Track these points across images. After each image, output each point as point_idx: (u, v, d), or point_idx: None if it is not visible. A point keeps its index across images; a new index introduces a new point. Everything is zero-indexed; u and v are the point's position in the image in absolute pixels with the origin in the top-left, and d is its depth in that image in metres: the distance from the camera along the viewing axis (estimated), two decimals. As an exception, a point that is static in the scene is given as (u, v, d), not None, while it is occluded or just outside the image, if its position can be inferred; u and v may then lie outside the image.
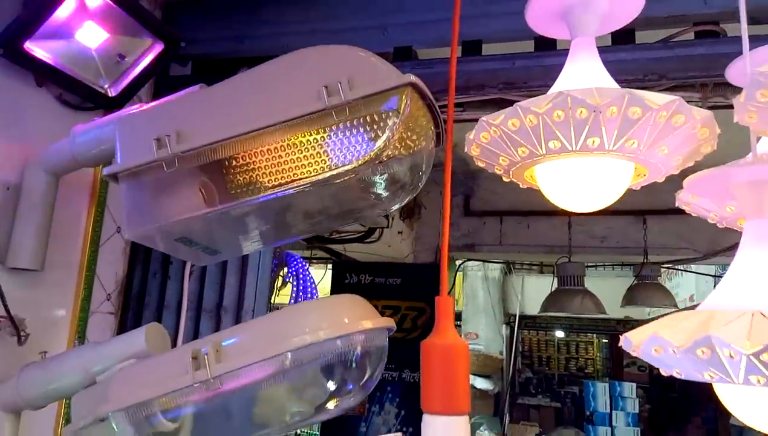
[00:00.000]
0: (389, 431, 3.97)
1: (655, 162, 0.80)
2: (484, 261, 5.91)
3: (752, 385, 0.56)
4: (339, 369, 0.79)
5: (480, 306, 9.37)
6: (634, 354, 0.72)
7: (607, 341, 15.17)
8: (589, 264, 4.82)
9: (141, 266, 1.70)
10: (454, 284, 5.51)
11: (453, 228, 4.64)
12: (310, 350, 0.75)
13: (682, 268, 4.81)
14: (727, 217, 0.92)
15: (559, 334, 11.79)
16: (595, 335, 14.94)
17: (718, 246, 4.15)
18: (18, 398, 0.98)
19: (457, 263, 5.38)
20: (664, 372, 0.67)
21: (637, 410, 10.23)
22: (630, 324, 12.35)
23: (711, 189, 0.80)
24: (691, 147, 0.79)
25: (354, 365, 0.78)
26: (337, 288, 4.47)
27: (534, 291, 7.77)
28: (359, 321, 0.76)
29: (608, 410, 10.23)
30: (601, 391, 10.40)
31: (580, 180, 0.83)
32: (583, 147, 0.76)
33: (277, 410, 0.81)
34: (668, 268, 4.71)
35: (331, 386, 0.79)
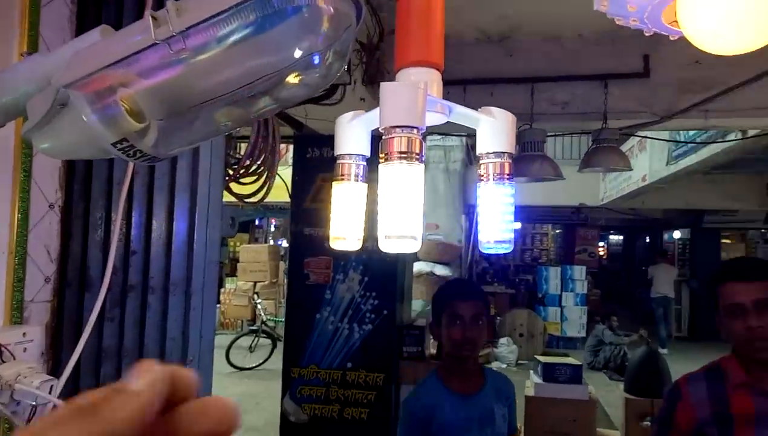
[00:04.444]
0: (353, 297, 4.08)
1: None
2: (445, 134, 5.91)
3: None
4: (305, 31, 0.76)
5: (441, 198, 9.55)
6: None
7: (561, 230, 15.76)
8: (549, 134, 4.88)
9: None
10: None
11: (416, 94, 4.56)
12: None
13: (642, 135, 4.91)
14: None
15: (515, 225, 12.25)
16: (550, 226, 15.50)
17: (675, 109, 4.24)
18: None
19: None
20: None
21: (585, 291, 10.88)
22: (583, 213, 12.84)
23: None
24: None
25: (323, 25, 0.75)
26: (300, 163, 4.41)
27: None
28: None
29: (559, 292, 10.84)
30: (553, 275, 10.96)
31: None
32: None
33: (241, 74, 0.77)
34: (625, 134, 4.81)
35: (297, 53, 0.76)
